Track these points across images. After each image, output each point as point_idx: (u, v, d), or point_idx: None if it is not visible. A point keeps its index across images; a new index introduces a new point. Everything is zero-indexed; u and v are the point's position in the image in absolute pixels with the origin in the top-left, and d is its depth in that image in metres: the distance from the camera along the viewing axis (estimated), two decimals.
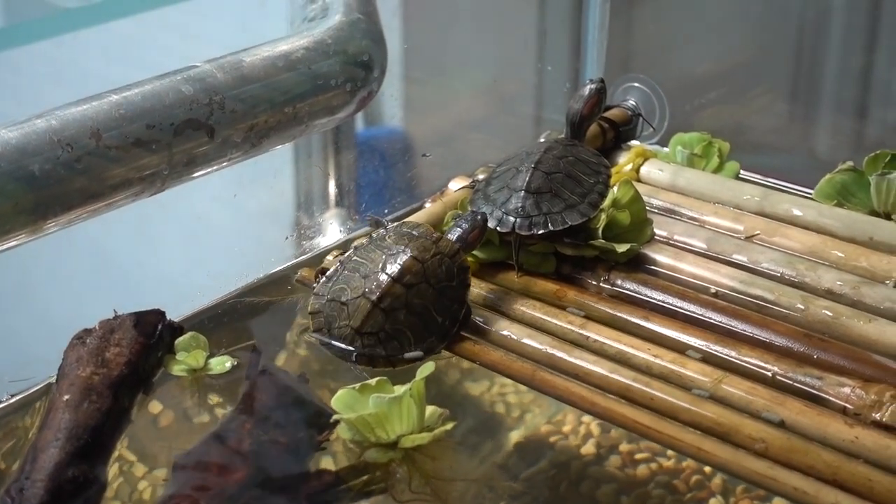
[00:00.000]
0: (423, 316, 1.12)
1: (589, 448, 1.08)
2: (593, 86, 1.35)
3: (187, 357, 1.14)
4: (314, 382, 1.14)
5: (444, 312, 1.13)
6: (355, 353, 1.12)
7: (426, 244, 1.14)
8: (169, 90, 1.24)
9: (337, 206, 1.67)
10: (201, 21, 1.66)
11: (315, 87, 1.37)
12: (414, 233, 1.16)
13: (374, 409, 1.01)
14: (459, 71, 1.75)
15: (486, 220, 1.21)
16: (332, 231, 1.48)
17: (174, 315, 1.17)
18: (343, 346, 1.13)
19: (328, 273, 1.16)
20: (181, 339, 1.15)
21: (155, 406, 1.11)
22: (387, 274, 1.11)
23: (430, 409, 1.05)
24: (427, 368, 1.04)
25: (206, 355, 1.15)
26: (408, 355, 1.12)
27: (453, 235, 1.17)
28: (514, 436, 1.11)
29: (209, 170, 1.29)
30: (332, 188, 1.72)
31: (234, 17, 1.66)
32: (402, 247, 1.13)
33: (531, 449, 1.09)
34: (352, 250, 1.17)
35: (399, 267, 1.11)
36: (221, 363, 1.15)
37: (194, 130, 1.24)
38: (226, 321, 1.23)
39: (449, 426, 1.03)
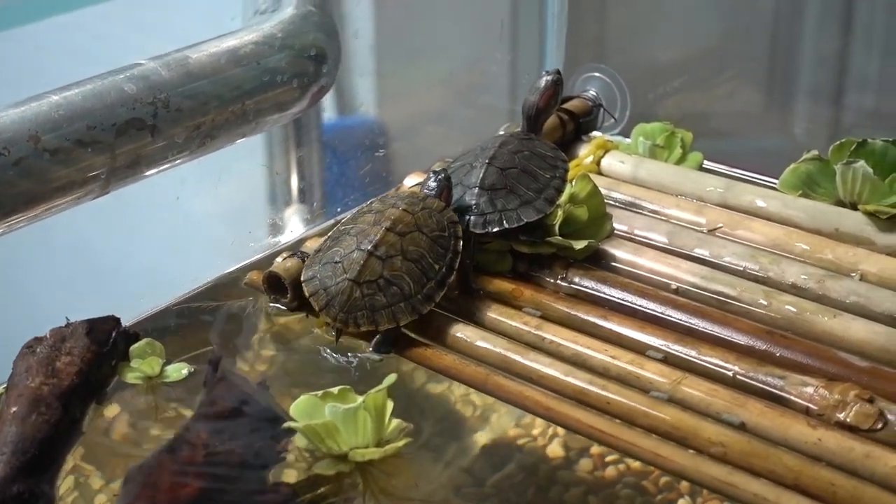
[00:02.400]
0: (419, 262, 1.12)
1: (557, 450, 1.05)
2: (549, 77, 1.31)
3: (142, 364, 1.10)
4: (276, 389, 1.10)
5: (440, 260, 1.13)
6: (337, 331, 1.12)
7: (413, 200, 1.16)
8: (111, 89, 1.21)
9: (299, 203, 1.63)
10: (156, 13, 1.62)
11: (264, 83, 1.34)
12: (400, 194, 1.20)
13: (328, 419, 0.98)
14: (424, 62, 1.71)
15: (448, 178, 1.20)
16: (288, 230, 1.44)
17: (126, 319, 1.13)
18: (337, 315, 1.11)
19: (315, 247, 1.16)
20: (136, 346, 1.11)
21: (110, 415, 1.08)
22: (379, 225, 1.13)
23: (394, 423, 1.01)
24: (389, 379, 1.00)
25: (162, 362, 1.11)
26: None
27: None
28: (481, 438, 1.07)
29: (156, 170, 1.26)
30: (294, 184, 1.68)
31: (189, 9, 1.62)
32: (390, 205, 1.15)
33: (498, 452, 1.06)
34: (336, 227, 1.18)
35: (391, 218, 1.13)
36: (178, 370, 1.11)
37: (138, 130, 1.22)
38: (182, 326, 1.20)
39: (402, 443, 0.99)
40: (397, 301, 1.11)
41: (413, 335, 1.13)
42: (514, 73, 1.60)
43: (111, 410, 1.08)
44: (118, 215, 1.32)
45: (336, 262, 1.13)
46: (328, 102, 1.62)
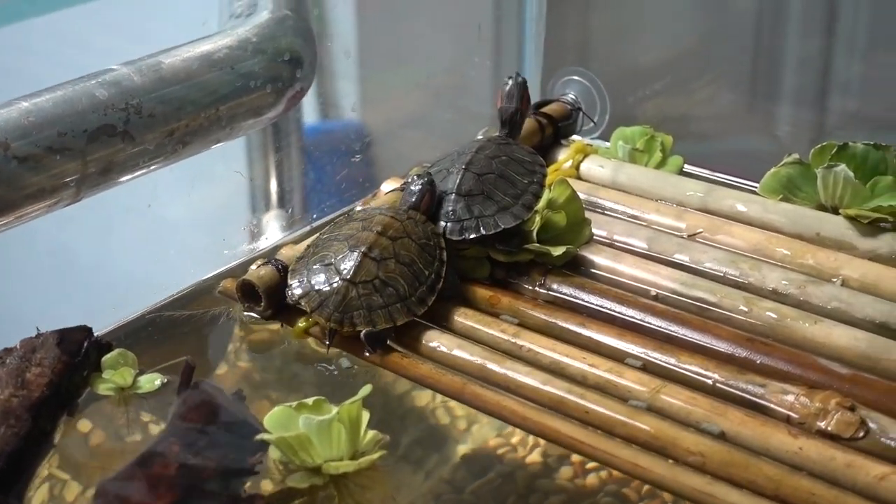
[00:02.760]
0: (411, 267, 1.12)
1: (537, 458, 1.04)
2: (519, 80, 1.30)
3: (114, 375, 1.08)
4: (251, 399, 1.09)
5: (429, 266, 1.13)
6: (330, 333, 1.11)
7: (397, 211, 1.17)
8: (82, 95, 1.20)
9: (277, 209, 1.61)
10: (130, 16, 1.60)
11: (239, 88, 1.33)
12: (382, 207, 1.20)
13: (301, 431, 0.96)
14: (403, 65, 1.69)
15: (432, 182, 1.19)
16: (264, 237, 1.42)
17: (98, 328, 1.11)
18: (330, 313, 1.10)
19: (298, 256, 1.16)
20: (108, 356, 1.09)
21: (84, 425, 1.06)
22: (370, 230, 1.13)
23: (369, 434, 0.99)
24: (364, 390, 0.98)
25: (135, 373, 1.09)
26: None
27: (405, 207, 1.18)
28: (462, 447, 1.06)
29: (129, 176, 1.25)
30: (272, 189, 1.66)
31: (164, 12, 1.59)
32: (376, 214, 1.16)
33: (479, 461, 1.04)
34: (318, 235, 1.18)
35: (381, 224, 1.13)
36: (151, 381, 1.09)
37: (110, 136, 1.20)
38: (155, 335, 1.18)
39: (377, 455, 0.97)
40: (393, 301, 1.10)
41: (389, 344, 1.11)
42: (493, 76, 1.58)
43: (83, 423, 1.06)
44: (89, 223, 1.30)
45: (327, 265, 1.12)
46: (310, 106, 1.60)
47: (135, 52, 1.26)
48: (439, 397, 1.09)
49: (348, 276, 1.10)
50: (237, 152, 1.55)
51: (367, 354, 1.10)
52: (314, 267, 1.13)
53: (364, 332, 1.10)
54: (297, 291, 1.12)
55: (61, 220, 1.17)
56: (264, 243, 1.37)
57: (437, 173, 1.22)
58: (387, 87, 1.64)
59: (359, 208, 1.22)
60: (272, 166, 1.67)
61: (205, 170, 1.35)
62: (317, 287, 1.11)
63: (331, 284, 1.10)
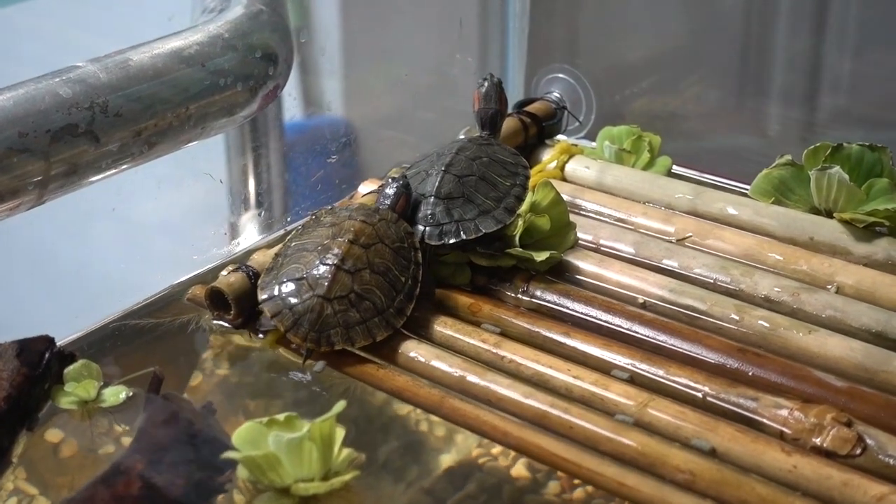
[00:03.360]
0: (387, 275, 1.08)
1: (522, 471, 0.98)
2: (493, 80, 1.26)
3: (77, 388, 1.03)
4: (223, 412, 1.03)
5: (404, 272, 1.09)
6: (307, 351, 1.07)
7: (367, 212, 1.12)
8: (45, 94, 1.15)
9: (254, 210, 1.56)
10: (98, 11, 1.55)
11: (210, 86, 1.28)
12: (351, 206, 1.14)
13: (269, 450, 0.91)
14: (383, 63, 1.64)
15: (407, 185, 1.14)
16: (235, 241, 1.37)
17: (60, 338, 1.06)
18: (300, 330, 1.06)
19: (266, 267, 1.11)
20: (71, 367, 1.04)
21: (44, 441, 1.01)
22: (341, 239, 1.08)
23: (344, 453, 0.94)
24: (338, 406, 0.93)
25: (99, 385, 1.04)
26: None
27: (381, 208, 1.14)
28: (445, 459, 1.01)
29: (95, 178, 1.19)
30: (251, 190, 1.61)
31: (134, 7, 1.55)
32: (346, 217, 1.10)
33: (461, 472, 0.99)
34: (285, 242, 1.13)
35: (352, 231, 1.08)
36: (116, 394, 1.04)
37: (74, 137, 1.15)
38: (121, 345, 1.13)
39: (350, 476, 0.92)
40: (371, 316, 1.06)
41: (365, 354, 1.07)
42: (475, 74, 1.53)
43: (44, 438, 1.01)
44: (50, 226, 1.25)
45: (299, 279, 1.07)
46: (290, 103, 1.56)
47: (100, 47, 1.21)
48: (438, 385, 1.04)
49: (322, 293, 1.06)
50: (214, 151, 1.50)
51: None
52: (285, 282, 1.07)
53: None
54: (270, 309, 1.07)
55: (20, 223, 1.12)
56: (239, 247, 1.31)
57: (415, 175, 1.18)
58: (366, 85, 1.60)
59: (328, 208, 1.16)
60: (250, 165, 1.63)
61: (175, 170, 1.30)
62: (290, 304, 1.06)
63: (304, 302, 1.06)
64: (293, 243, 1.11)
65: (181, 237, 1.32)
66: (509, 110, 1.38)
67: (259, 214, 1.50)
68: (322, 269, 1.06)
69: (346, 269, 1.06)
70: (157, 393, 1.04)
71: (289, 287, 1.07)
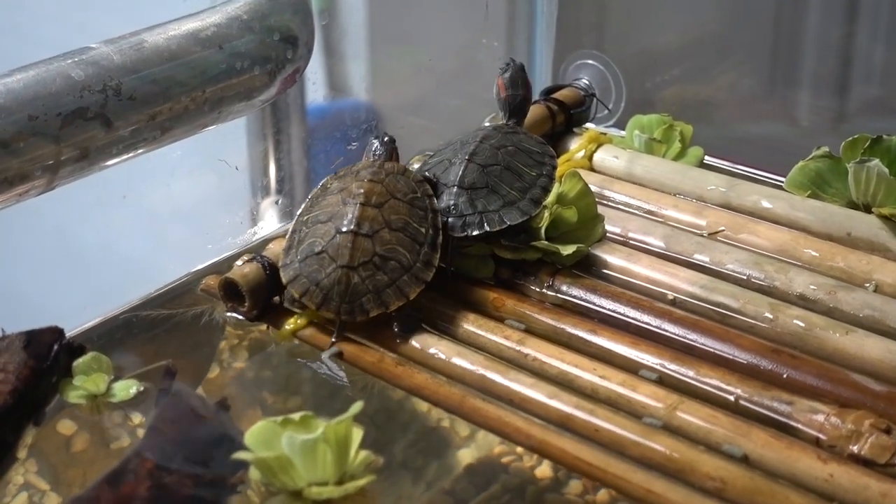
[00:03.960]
0: (406, 230, 1.05)
1: (546, 470, 0.94)
2: (516, 65, 1.22)
3: (86, 382, 1.00)
4: (237, 409, 1.00)
5: (423, 223, 1.07)
6: (340, 326, 1.04)
7: (374, 169, 1.09)
8: (56, 76, 1.12)
9: (276, 195, 1.53)
10: None
11: (228, 69, 1.25)
12: (354, 168, 1.11)
13: (282, 452, 0.87)
14: (408, 47, 1.60)
15: (392, 139, 1.14)
16: (250, 230, 1.33)
17: (70, 329, 1.03)
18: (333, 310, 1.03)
19: (284, 247, 1.08)
20: (80, 360, 1.01)
21: (52, 435, 0.98)
22: (352, 203, 1.05)
23: (361, 455, 0.90)
24: (355, 408, 0.89)
25: (109, 379, 1.01)
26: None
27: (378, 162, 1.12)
28: (465, 457, 0.97)
29: (107, 163, 1.16)
30: (272, 175, 1.58)
31: None
32: (353, 179, 1.08)
33: (483, 472, 0.95)
34: (297, 217, 1.10)
35: (362, 192, 1.06)
36: (126, 389, 1.01)
37: (85, 120, 1.11)
38: (132, 337, 1.10)
39: (365, 480, 0.88)
40: (399, 275, 1.04)
41: (383, 350, 1.03)
42: (501, 60, 1.48)
43: (53, 432, 0.98)
44: (60, 213, 1.21)
45: (319, 253, 1.04)
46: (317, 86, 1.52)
47: (116, 29, 1.17)
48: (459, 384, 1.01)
49: (345, 262, 1.03)
50: (233, 136, 1.46)
51: (399, 340, 1.04)
52: (306, 258, 1.05)
53: (395, 324, 1.04)
54: (297, 289, 1.04)
55: (29, 209, 1.08)
56: (255, 235, 1.27)
57: (438, 164, 1.14)
58: (389, 70, 1.56)
59: (333, 174, 1.13)
60: (270, 151, 1.60)
61: (190, 155, 1.26)
62: (316, 280, 1.03)
63: (329, 275, 1.03)
64: (306, 217, 1.09)
65: (196, 225, 1.29)
66: (536, 97, 1.34)
67: (276, 202, 1.46)
68: (339, 238, 1.04)
69: (364, 234, 1.04)
70: (170, 387, 1.01)
71: (311, 263, 1.04)
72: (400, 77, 1.58)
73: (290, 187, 1.51)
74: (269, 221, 1.40)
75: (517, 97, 1.20)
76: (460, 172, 1.11)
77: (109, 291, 1.13)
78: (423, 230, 1.06)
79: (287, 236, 1.09)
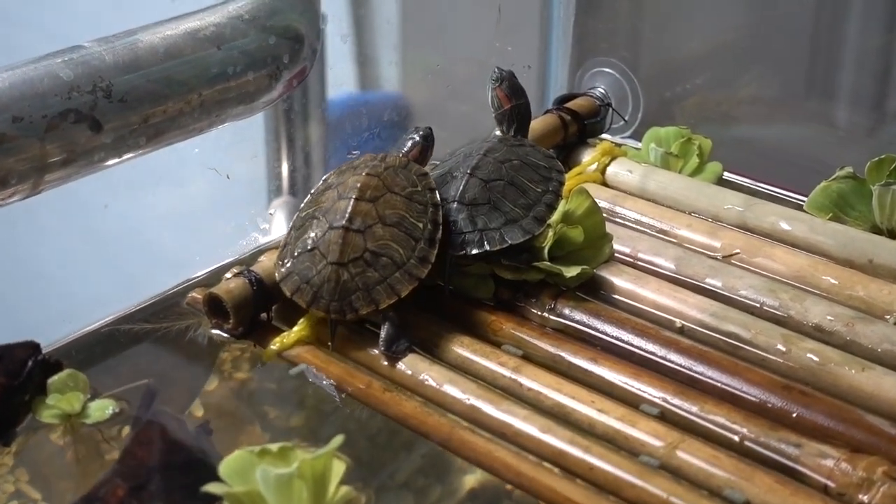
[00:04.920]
0: (401, 225, 1.02)
1: None
2: (508, 72, 1.16)
3: (61, 400, 0.96)
4: (220, 433, 0.95)
5: (421, 217, 1.03)
6: (332, 326, 1.02)
7: (373, 163, 1.06)
8: (44, 76, 1.09)
9: (290, 195, 1.48)
10: None
11: (227, 71, 1.21)
12: (355, 162, 1.08)
13: (252, 487, 0.82)
14: (416, 53, 1.55)
15: (427, 136, 1.10)
16: (242, 240, 1.27)
17: (46, 344, 0.99)
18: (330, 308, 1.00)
19: (280, 244, 1.05)
20: (55, 378, 0.97)
21: (31, 452, 0.94)
22: (346, 198, 1.02)
23: (341, 491, 0.85)
24: (335, 442, 0.84)
25: (85, 398, 0.97)
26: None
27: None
28: (469, 480, 0.92)
29: (97, 167, 1.12)
30: (284, 172, 1.53)
31: None
32: (350, 174, 1.04)
33: (487, 497, 0.91)
34: (297, 213, 1.07)
35: (357, 186, 1.02)
36: (102, 409, 0.97)
37: (73, 123, 1.08)
38: (112, 353, 1.06)
39: None
40: (391, 272, 1.00)
41: (371, 374, 0.98)
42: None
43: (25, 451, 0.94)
44: (38, 221, 1.16)
45: (311, 250, 1.01)
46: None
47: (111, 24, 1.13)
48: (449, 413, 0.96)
49: (335, 259, 1.00)
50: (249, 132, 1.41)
51: (388, 363, 0.99)
52: (298, 254, 1.02)
53: (380, 341, 0.99)
54: (288, 287, 1.01)
55: (7, 216, 1.04)
56: (260, 240, 1.21)
57: (439, 177, 1.09)
58: (396, 75, 1.50)
59: (336, 169, 1.09)
60: (284, 148, 1.55)
61: (184, 160, 1.21)
62: (306, 278, 1.01)
63: (319, 272, 1.00)
64: (304, 212, 1.05)
65: (190, 231, 1.24)
66: (550, 106, 1.29)
67: (268, 213, 1.41)
68: (331, 234, 1.01)
69: (355, 229, 1.00)
70: (149, 408, 0.97)
71: (303, 260, 1.01)
72: (409, 82, 1.53)
73: (310, 184, 1.46)
74: (280, 223, 1.35)
75: (522, 106, 1.15)
76: (461, 187, 1.06)
77: (92, 302, 1.08)
78: (420, 225, 1.02)
79: (286, 234, 1.06)
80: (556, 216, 1.06)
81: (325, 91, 1.58)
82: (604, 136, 1.36)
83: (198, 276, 1.11)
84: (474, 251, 1.03)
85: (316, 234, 1.02)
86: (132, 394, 0.98)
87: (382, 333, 0.99)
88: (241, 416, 1.00)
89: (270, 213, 1.43)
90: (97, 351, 1.04)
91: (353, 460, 0.90)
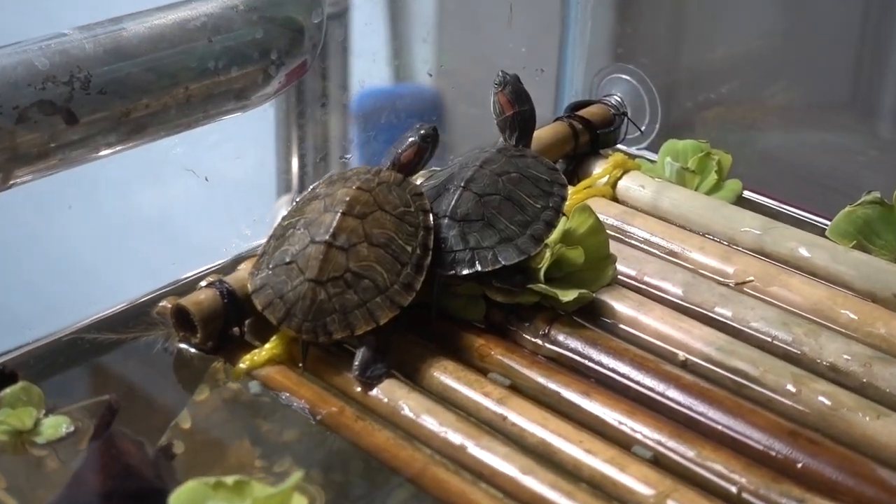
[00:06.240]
0: (388, 246, 0.95)
1: None
2: (512, 77, 1.09)
3: (10, 416, 0.90)
4: (184, 457, 0.89)
5: (411, 240, 0.96)
6: (304, 347, 0.95)
7: (366, 177, 0.99)
8: (18, 64, 1.03)
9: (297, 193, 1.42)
10: None
11: (218, 64, 1.15)
12: (347, 173, 1.02)
13: None
14: (424, 49, 1.48)
15: (427, 136, 1.01)
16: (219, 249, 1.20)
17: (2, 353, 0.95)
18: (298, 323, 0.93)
19: (259, 252, 0.99)
20: (8, 391, 0.91)
21: None
22: (333, 211, 0.96)
23: None
24: (293, 478, 0.78)
25: (39, 414, 0.91)
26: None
27: (387, 160, 1.02)
28: None
29: (73, 162, 1.07)
30: (294, 168, 1.47)
31: None
32: (341, 186, 0.98)
33: None
34: (279, 221, 1.00)
35: (346, 200, 0.96)
36: (56, 426, 0.90)
37: (47, 115, 1.01)
38: (73, 364, 0.99)
39: None
40: (372, 296, 0.93)
41: (345, 400, 0.91)
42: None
43: None
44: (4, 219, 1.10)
45: (288, 263, 0.95)
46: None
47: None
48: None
49: (313, 276, 0.93)
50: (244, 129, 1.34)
51: (362, 388, 0.92)
52: (274, 267, 0.95)
53: (354, 365, 0.92)
54: (260, 301, 0.95)
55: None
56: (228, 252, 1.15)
57: (432, 188, 1.02)
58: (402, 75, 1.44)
59: (327, 177, 1.03)
60: (294, 141, 1.49)
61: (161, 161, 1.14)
62: (280, 292, 0.94)
63: (295, 288, 0.93)
64: (287, 221, 0.99)
65: (164, 238, 1.17)
66: (558, 114, 1.22)
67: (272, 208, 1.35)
68: (312, 248, 0.94)
69: (338, 246, 0.94)
70: (108, 428, 0.90)
71: (279, 273, 0.95)
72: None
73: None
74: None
75: (525, 113, 1.07)
76: (453, 202, 0.99)
77: (55, 308, 1.02)
78: (408, 248, 0.96)
79: (265, 241, 0.99)
80: (555, 235, 0.99)
81: (348, 85, 1.53)
82: (619, 146, 1.28)
83: (171, 284, 1.04)
84: (464, 271, 0.96)
85: (296, 247, 0.95)
86: (92, 410, 0.91)
87: (357, 357, 0.92)
88: (231, 428, 0.93)
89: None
90: (57, 362, 0.98)
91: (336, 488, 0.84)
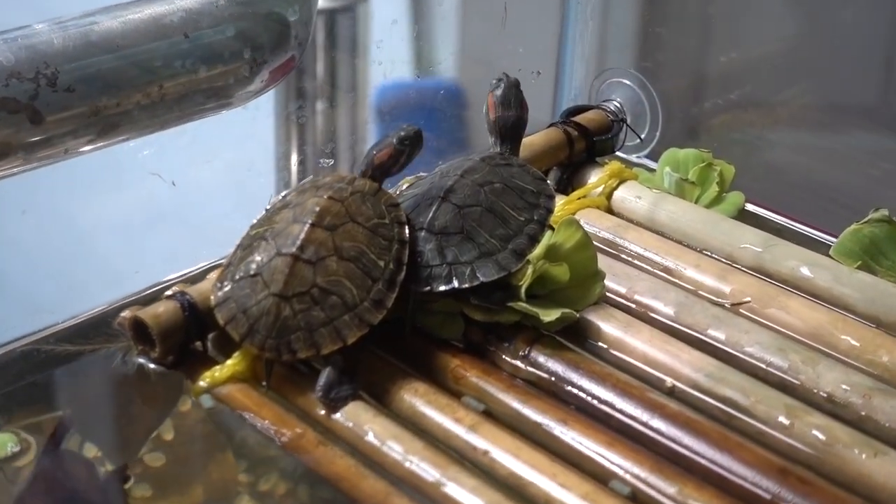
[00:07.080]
0: (359, 261, 0.91)
1: None
2: (510, 81, 1.04)
3: None
4: (142, 481, 0.83)
5: (383, 255, 0.91)
6: (268, 366, 0.90)
7: (339, 186, 0.95)
8: None
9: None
10: None
11: (195, 61, 1.09)
12: (319, 180, 0.97)
13: None
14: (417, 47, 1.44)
15: (405, 139, 0.96)
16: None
17: None
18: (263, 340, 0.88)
19: (224, 262, 0.95)
20: None
21: None
22: (301, 222, 0.91)
23: None
24: None
25: None
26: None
27: (364, 160, 0.98)
28: None
29: (37, 164, 1.01)
30: (293, 166, 1.43)
31: None
32: (311, 195, 0.94)
33: None
34: (247, 231, 0.96)
35: (316, 210, 0.91)
36: (1, 444, 0.86)
37: (10, 113, 0.96)
38: (26, 377, 0.94)
39: None
40: (339, 314, 0.89)
41: (307, 422, 0.86)
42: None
43: None
44: None
45: (253, 276, 0.90)
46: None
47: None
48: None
49: (278, 290, 0.88)
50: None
51: (326, 411, 0.87)
52: (239, 279, 0.91)
53: (318, 386, 0.87)
54: (222, 314, 0.90)
55: None
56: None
57: (411, 198, 0.97)
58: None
59: (299, 186, 0.99)
60: (293, 133, 1.46)
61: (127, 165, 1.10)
62: (243, 307, 0.89)
63: (259, 303, 0.88)
64: (254, 231, 0.94)
65: (129, 244, 1.12)
66: (556, 118, 1.16)
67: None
68: (277, 260, 0.90)
69: (305, 259, 0.89)
70: (58, 447, 0.85)
71: (243, 286, 0.90)
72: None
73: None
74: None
75: (509, 119, 1.02)
76: (431, 214, 0.94)
77: (12, 319, 0.97)
78: (381, 263, 0.91)
79: (232, 251, 0.94)
80: (539, 250, 0.94)
81: (367, 78, 1.49)
82: (618, 154, 1.23)
83: (135, 294, 0.99)
84: (441, 287, 0.91)
85: (261, 259, 0.90)
86: (43, 427, 0.87)
87: (322, 377, 0.87)
88: (215, 440, 0.89)
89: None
90: (9, 374, 0.93)
91: None
